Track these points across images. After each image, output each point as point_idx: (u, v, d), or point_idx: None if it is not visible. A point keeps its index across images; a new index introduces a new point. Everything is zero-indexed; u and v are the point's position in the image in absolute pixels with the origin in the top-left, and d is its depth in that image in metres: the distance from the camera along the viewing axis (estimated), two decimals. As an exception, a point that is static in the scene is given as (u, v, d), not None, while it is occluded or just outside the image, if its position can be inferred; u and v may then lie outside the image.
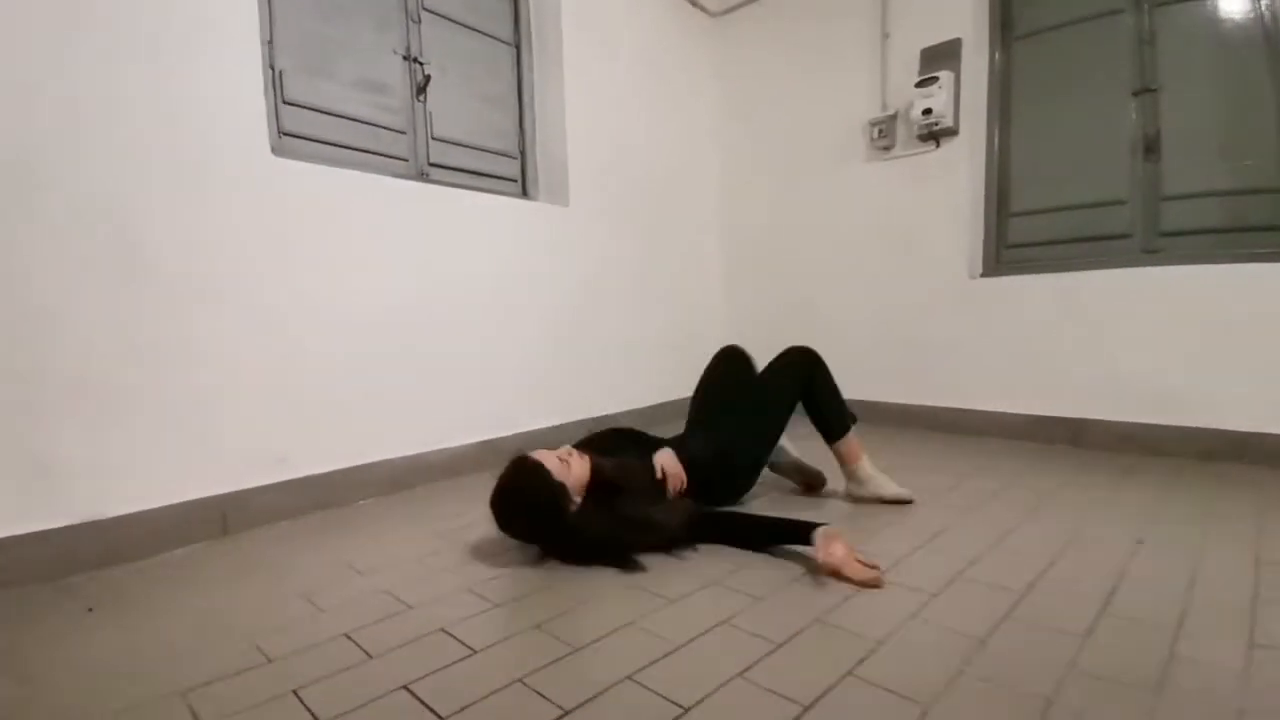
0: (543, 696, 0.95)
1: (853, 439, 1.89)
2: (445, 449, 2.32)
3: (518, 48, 2.83)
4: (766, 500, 1.96)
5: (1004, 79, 2.88)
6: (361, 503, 2.06)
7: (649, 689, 0.97)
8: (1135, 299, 2.49)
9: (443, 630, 1.17)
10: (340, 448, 2.04)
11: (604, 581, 1.38)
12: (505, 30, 2.79)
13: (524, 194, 2.85)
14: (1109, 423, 2.53)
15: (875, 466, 1.90)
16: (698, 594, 1.30)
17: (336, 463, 2.02)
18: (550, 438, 2.64)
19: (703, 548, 1.51)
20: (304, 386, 1.95)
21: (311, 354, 1.97)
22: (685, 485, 1.65)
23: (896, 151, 3.04)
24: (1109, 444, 2.52)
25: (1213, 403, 2.33)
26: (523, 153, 2.86)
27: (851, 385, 3.17)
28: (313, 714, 0.92)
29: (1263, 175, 2.31)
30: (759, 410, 1.85)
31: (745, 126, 3.65)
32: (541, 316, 2.71)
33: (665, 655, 1.06)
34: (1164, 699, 0.90)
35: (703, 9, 3.65)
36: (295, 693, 0.98)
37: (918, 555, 1.46)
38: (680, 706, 0.91)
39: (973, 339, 2.88)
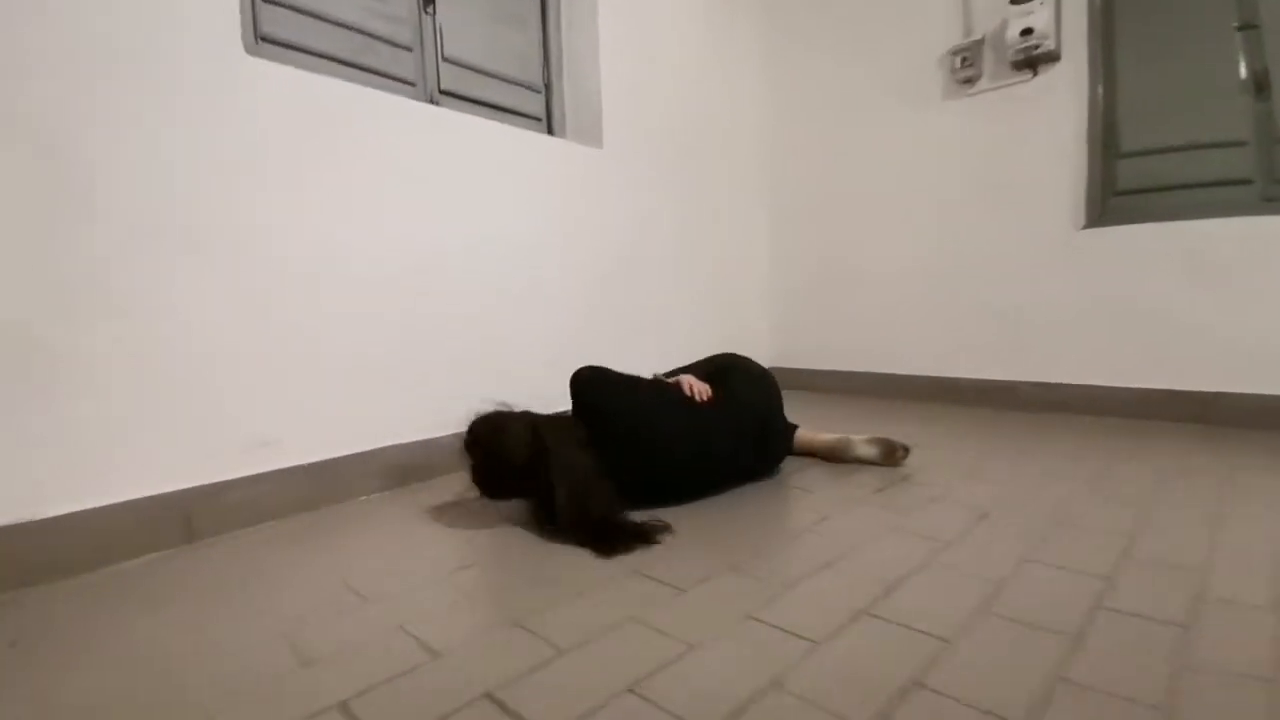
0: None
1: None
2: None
3: None
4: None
5: (1108, 5, 2.44)
6: (364, 499, 1.68)
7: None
8: (1250, 251, 2.09)
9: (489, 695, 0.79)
10: (336, 431, 1.65)
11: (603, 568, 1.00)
12: None
13: (550, 133, 2.44)
14: (1242, 395, 2.14)
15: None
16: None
17: (332, 449, 1.64)
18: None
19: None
20: (290, 355, 1.56)
21: (299, 313, 1.57)
22: (709, 395, 1.58)
23: (983, 84, 2.61)
24: (1242, 420, 2.13)
25: None
26: (547, 85, 2.44)
27: (924, 362, 2.85)
28: None
29: None
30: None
31: (799, 62, 3.21)
32: (573, 276, 2.30)
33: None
34: None
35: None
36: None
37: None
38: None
39: (1075, 301, 2.47)
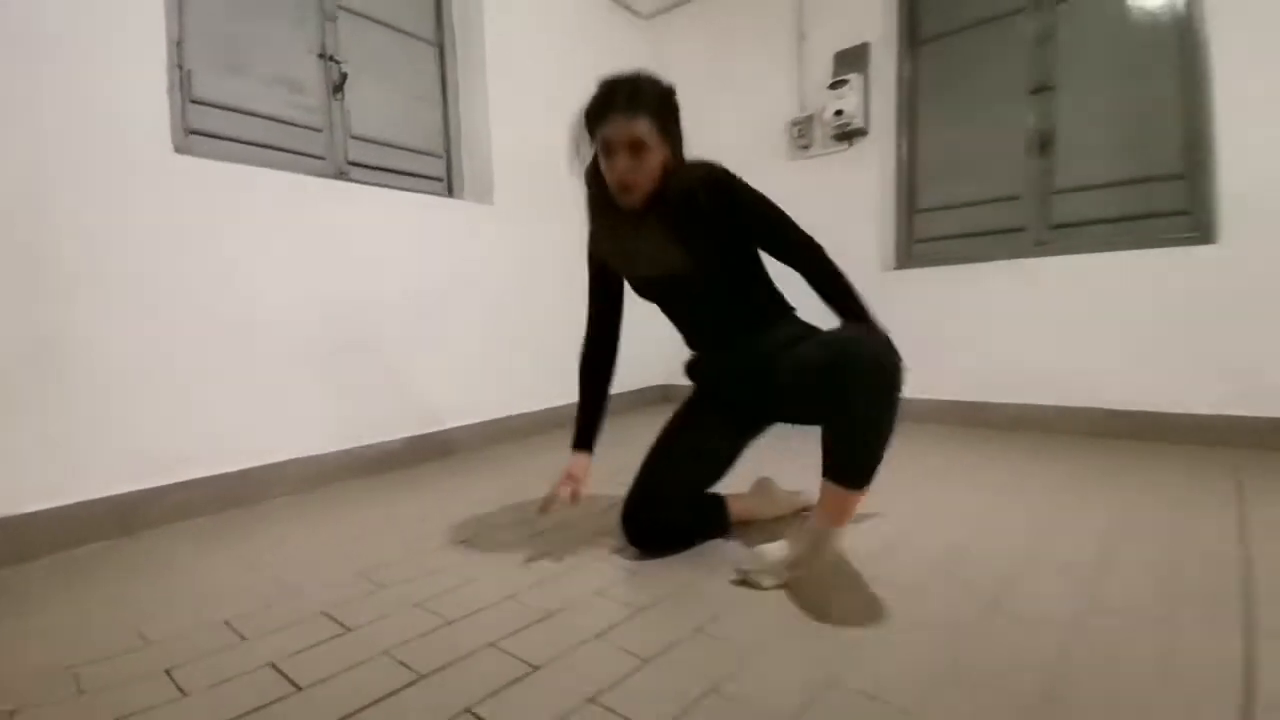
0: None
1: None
2: (372, 444, 2.34)
3: (441, 47, 2.86)
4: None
5: (911, 81, 3.03)
6: (271, 502, 2.07)
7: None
8: (1023, 289, 2.66)
9: (324, 614, 1.21)
10: (248, 445, 2.04)
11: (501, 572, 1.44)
12: (427, 29, 2.82)
13: (450, 192, 2.88)
14: (1004, 405, 2.69)
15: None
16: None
17: (244, 461, 2.02)
18: (475, 434, 2.70)
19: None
20: (209, 384, 1.95)
21: (217, 352, 1.97)
22: None
23: (814, 150, 3.16)
24: (1004, 424, 2.68)
25: (1096, 382, 2.50)
26: (448, 151, 2.89)
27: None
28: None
29: (1151, 165, 2.47)
30: None
31: (686, 126, 3.73)
32: (467, 314, 2.74)
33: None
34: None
35: (634, 11, 3.72)
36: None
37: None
38: None
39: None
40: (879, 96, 2.98)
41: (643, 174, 1.26)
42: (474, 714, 0.87)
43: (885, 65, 2.98)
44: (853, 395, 1.10)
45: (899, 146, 3.05)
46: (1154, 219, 2.46)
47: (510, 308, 2.92)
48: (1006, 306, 2.70)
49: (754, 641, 1.04)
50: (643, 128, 1.24)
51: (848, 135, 3.01)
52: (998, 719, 0.82)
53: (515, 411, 2.92)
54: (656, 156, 1.27)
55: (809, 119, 3.13)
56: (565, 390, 2.93)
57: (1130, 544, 1.38)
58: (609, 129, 1.24)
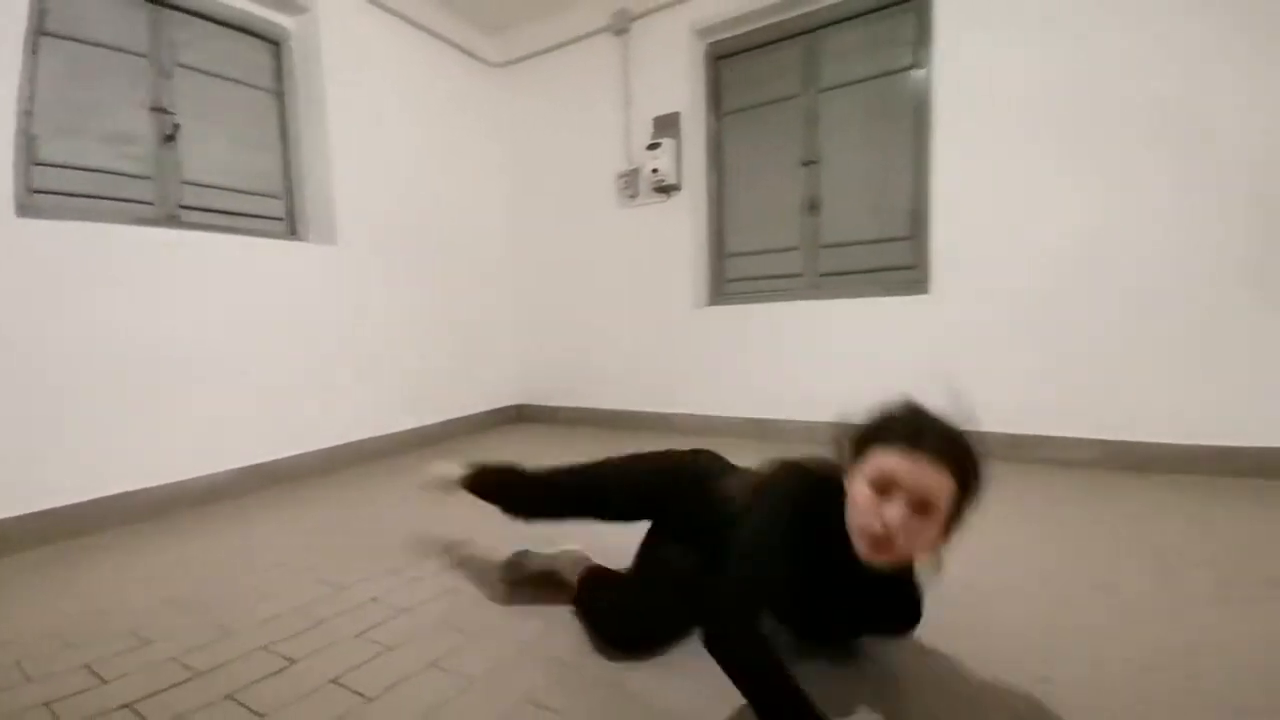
0: None
1: None
2: (200, 476, 2.48)
3: (281, 95, 3.03)
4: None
5: (717, 146, 3.53)
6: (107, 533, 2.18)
7: None
8: (800, 325, 3.19)
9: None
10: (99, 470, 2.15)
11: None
12: (265, 79, 2.98)
13: (293, 233, 3.05)
14: (792, 421, 3.21)
15: None
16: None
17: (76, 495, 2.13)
18: (313, 462, 2.87)
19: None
20: (71, 420, 2.05)
21: (52, 392, 2.07)
22: None
23: (640, 200, 3.59)
24: (787, 437, 3.20)
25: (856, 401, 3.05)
26: (290, 193, 3.06)
27: (615, 398, 3.78)
28: None
29: (889, 228, 3.06)
30: None
31: (529, 171, 4.07)
32: (306, 350, 2.91)
33: None
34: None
35: (483, 60, 4.02)
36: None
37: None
38: None
39: (698, 357, 3.48)
40: (690, 157, 3.45)
41: (915, 541, 0.95)
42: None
43: (695, 131, 3.46)
44: None
45: (709, 200, 3.54)
46: (891, 271, 3.06)
47: (349, 341, 3.12)
48: (791, 339, 3.22)
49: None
50: (948, 489, 0.93)
51: (665, 189, 3.45)
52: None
53: (350, 439, 3.10)
54: (937, 529, 0.95)
55: (634, 172, 3.55)
56: (394, 419, 3.20)
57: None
58: (905, 466, 0.93)
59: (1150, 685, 1.09)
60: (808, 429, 3.12)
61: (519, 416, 4.22)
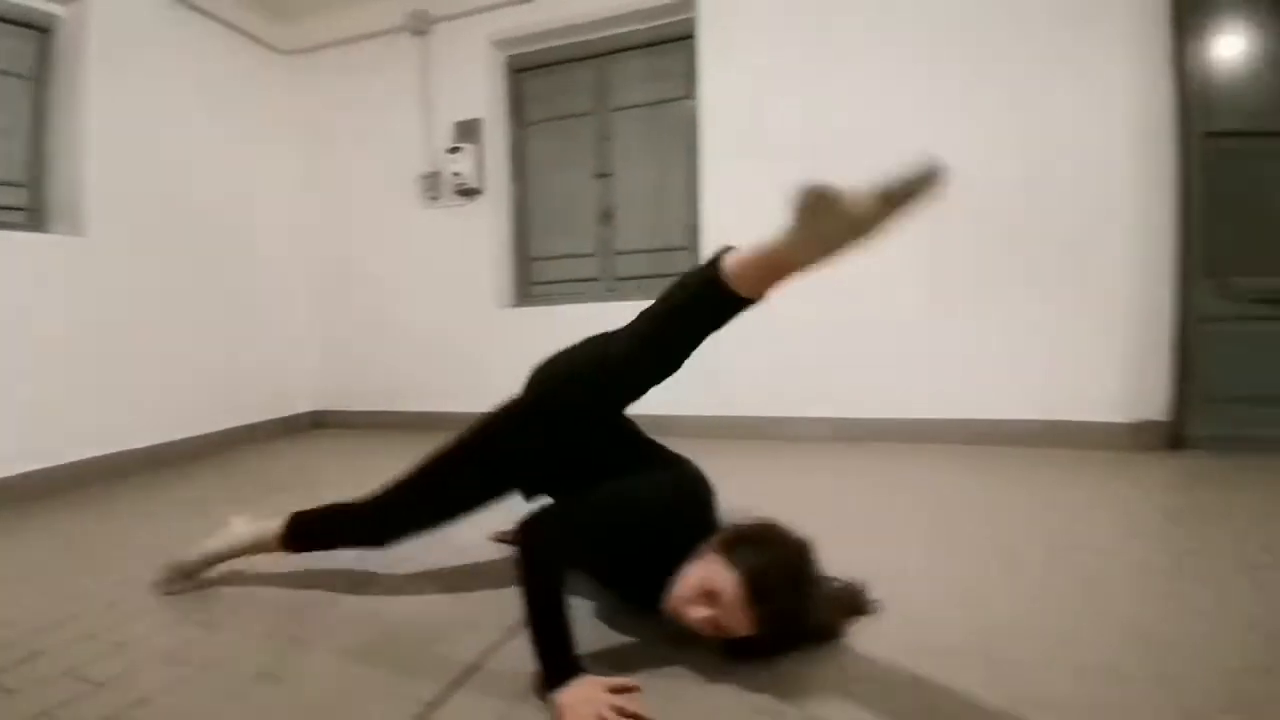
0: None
1: None
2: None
3: (40, 83, 2.71)
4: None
5: (519, 154, 3.70)
6: None
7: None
8: (598, 325, 3.46)
9: None
10: None
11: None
12: (24, 67, 2.68)
13: (37, 225, 2.72)
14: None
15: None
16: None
17: None
18: (51, 479, 2.57)
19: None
20: None
21: None
22: None
23: (444, 202, 3.64)
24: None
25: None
26: (39, 182, 2.72)
27: (422, 400, 3.79)
28: None
29: (670, 238, 3.44)
30: None
31: (326, 165, 3.91)
32: (41, 353, 2.60)
33: None
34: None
35: (270, 47, 3.80)
36: None
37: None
38: None
39: (502, 357, 3.61)
40: (492, 163, 3.58)
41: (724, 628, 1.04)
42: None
43: (497, 138, 3.59)
44: None
45: (512, 206, 3.69)
46: (674, 277, 3.43)
47: (97, 342, 2.82)
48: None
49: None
50: (752, 630, 1.03)
51: (467, 192, 3.54)
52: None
53: (105, 451, 2.82)
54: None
55: (436, 174, 3.60)
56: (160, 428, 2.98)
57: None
58: (739, 619, 1.02)
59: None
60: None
61: (314, 423, 4.05)
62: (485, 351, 3.65)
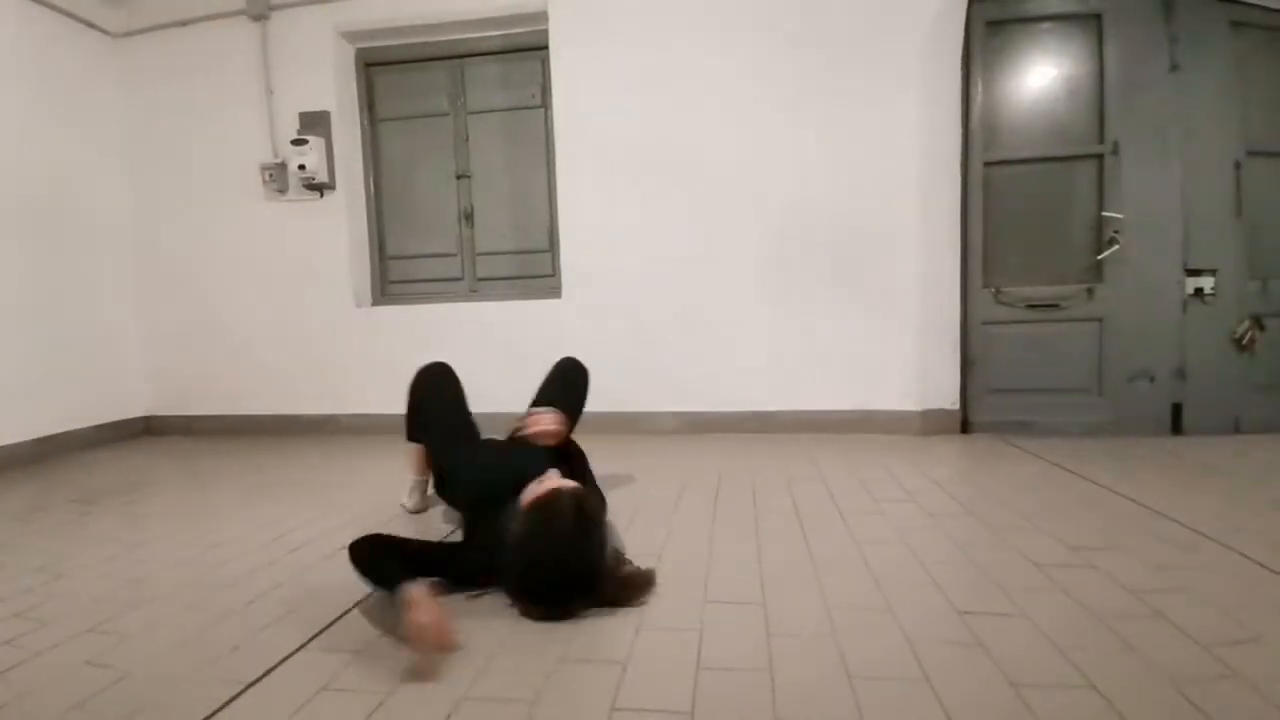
0: None
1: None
2: None
3: None
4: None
5: (374, 150, 3.61)
6: None
7: None
8: (463, 324, 3.47)
9: None
10: None
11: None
12: None
13: None
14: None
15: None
16: None
17: None
18: None
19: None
20: None
21: None
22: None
23: (291, 195, 3.47)
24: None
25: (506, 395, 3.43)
26: None
27: (271, 402, 3.61)
28: None
29: (533, 241, 3.50)
30: None
31: (161, 153, 3.61)
32: None
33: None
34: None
35: (101, 30, 3.46)
36: None
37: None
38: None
39: (359, 356, 3.53)
40: (344, 158, 3.47)
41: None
42: None
43: (348, 132, 3.49)
44: None
45: (368, 203, 3.60)
46: (535, 279, 3.52)
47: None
48: (455, 337, 3.46)
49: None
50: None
51: (316, 187, 3.41)
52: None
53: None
54: None
55: (281, 166, 3.43)
56: None
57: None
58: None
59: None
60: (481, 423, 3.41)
61: (147, 429, 3.74)
62: (342, 351, 3.54)
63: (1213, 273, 2.95)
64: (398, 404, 3.61)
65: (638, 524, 1.91)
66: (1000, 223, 3.10)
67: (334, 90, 3.42)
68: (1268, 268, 2.99)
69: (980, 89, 3.04)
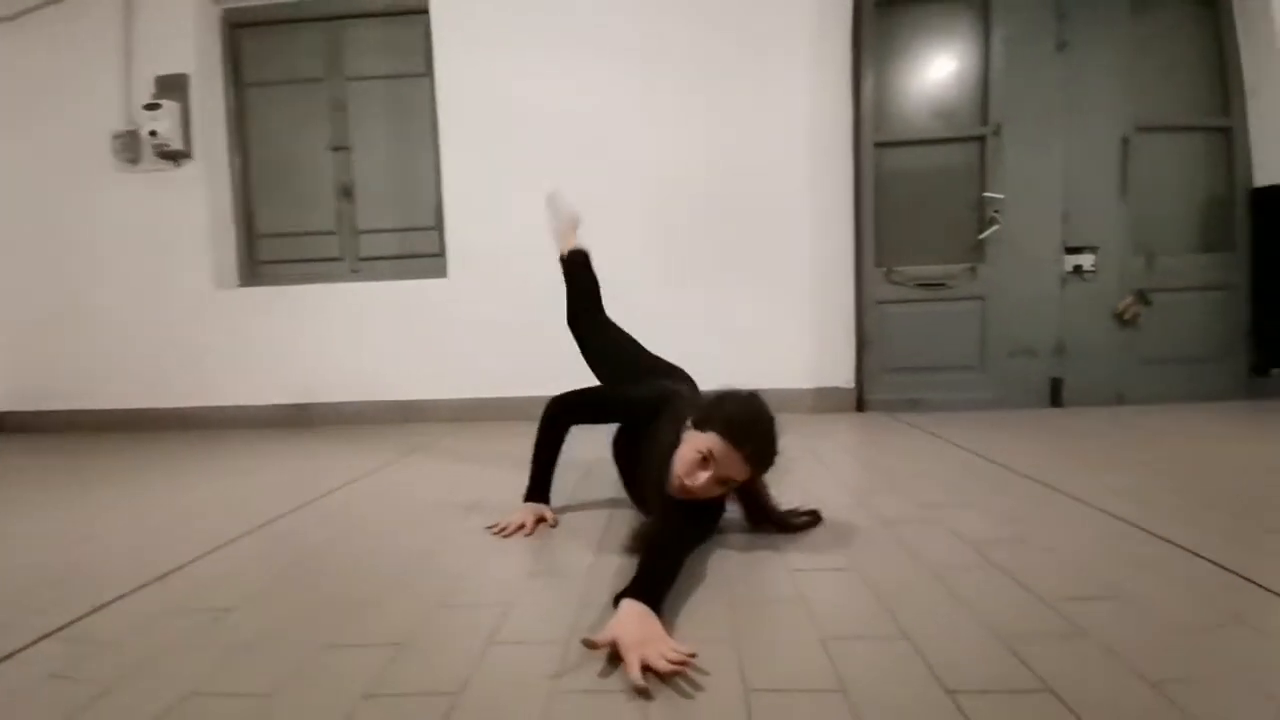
0: None
1: None
2: None
3: None
4: None
5: (239, 117, 3.33)
6: None
7: None
8: (343, 307, 3.23)
9: None
10: None
11: None
12: None
13: None
14: (322, 404, 3.22)
15: None
16: None
17: None
18: None
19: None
20: None
21: None
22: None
23: (144, 166, 3.16)
24: (331, 420, 3.21)
25: (390, 381, 3.22)
26: None
27: (129, 395, 3.25)
28: None
29: (418, 218, 3.30)
30: None
31: (3, 122, 3.22)
32: None
33: None
34: None
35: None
36: None
37: None
38: None
39: (225, 342, 3.24)
40: (204, 126, 3.18)
41: (709, 495, 1.25)
42: None
43: (210, 98, 3.20)
44: None
45: (232, 175, 3.31)
46: (421, 258, 3.31)
47: None
48: (334, 321, 3.22)
49: None
50: (747, 475, 1.26)
51: (171, 155, 3.11)
52: None
53: None
54: (728, 491, 1.30)
55: (133, 134, 3.11)
56: None
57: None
58: (726, 455, 1.20)
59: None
60: (354, 410, 3.18)
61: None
62: (208, 337, 3.24)
63: (1093, 250, 3.03)
64: (273, 394, 3.33)
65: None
66: (892, 203, 3.11)
67: (194, 52, 3.14)
68: (1154, 243, 3.03)
69: (871, 70, 3.03)
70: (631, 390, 1.56)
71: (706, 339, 3.09)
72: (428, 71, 3.18)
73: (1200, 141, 3.04)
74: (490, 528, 1.46)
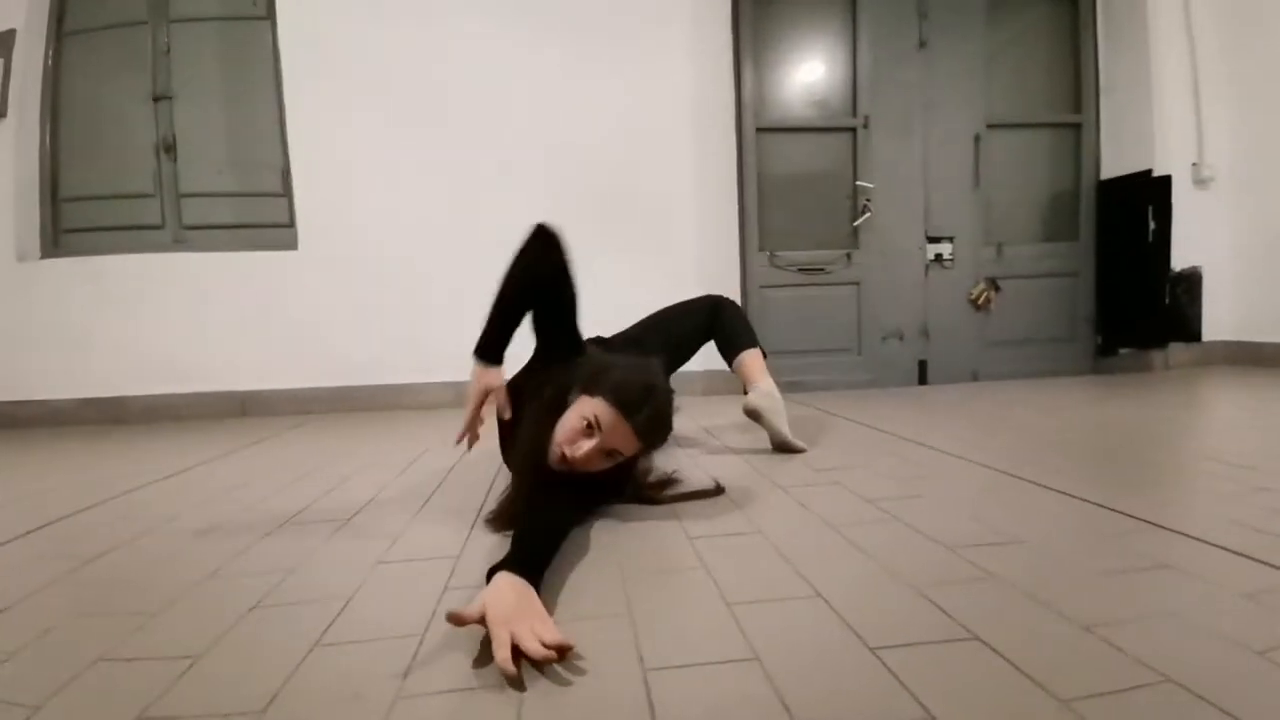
0: None
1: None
2: None
3: None
4: None
5: (54, 71, 2.76)
6: None
7: None
8: (165, 283, 2.74)
9: None
10: None
11: None
12: None
13: None
14: (141, 397, 2.72)
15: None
16: None
17: None
18: None
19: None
20: None
21: None
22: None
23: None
24: (153, 415, 2.71)
25: (224, 369, 2.77)
26: None
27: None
28: None
29: (261, 184, 2.87)
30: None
31: None
32: None
33: None
34: None
35: None
36: None
37: None
38: None
39: (24, 322, 2.65)
40: (25, 83, 2.60)
41: (589, 467, 1.11)
42: None
43: (33, 53, 2.66)
44: None
45: (43, 135, 2.73)
46: (266, 229, 2.89)
47: None
48: (162, 298, 2.72)
49: None
50: (634, 449, 1.14)
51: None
52: None
53: None
54: (610, 464, 1.14)
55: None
56: None
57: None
58: (620, 435, 1.09)
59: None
60: (181, 403, 2.71)
61: None
62: (3, 319, 2.63)
63: (951, 239, 3.22)
64: (81, 385, 2.73)
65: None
66: (774, 188, 3.13)
67: (25, 5, 2.56)
68: (1003, 234, 3.24)
69: (750, 55, 3.03)
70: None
71: (592, 323, 2.95)
72: (269, 14, 2.78)
73: (1050, 137, 3.30)
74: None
